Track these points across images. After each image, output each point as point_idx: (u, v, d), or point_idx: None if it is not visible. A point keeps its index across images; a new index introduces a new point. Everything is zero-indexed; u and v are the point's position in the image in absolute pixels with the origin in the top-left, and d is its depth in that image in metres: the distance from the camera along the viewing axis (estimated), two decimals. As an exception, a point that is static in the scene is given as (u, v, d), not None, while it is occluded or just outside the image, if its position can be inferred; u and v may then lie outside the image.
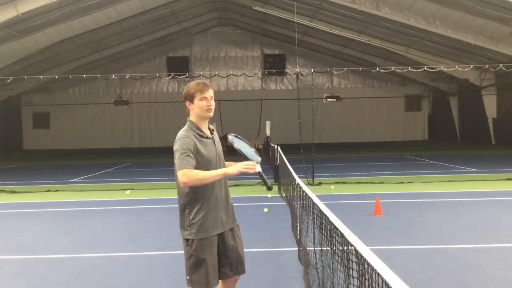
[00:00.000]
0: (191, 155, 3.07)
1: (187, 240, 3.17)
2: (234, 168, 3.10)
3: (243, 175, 3.28)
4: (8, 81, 21.68)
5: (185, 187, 3.10)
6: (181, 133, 3.19)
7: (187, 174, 2.99)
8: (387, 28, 23.87)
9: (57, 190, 12.54)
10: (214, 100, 3.28)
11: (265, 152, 20.19)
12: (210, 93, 3.21)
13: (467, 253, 5.96)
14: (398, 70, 26.23)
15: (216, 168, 3.19)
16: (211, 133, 3.32)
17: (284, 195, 10.05)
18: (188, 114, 3.32)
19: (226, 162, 3.40)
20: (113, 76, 25.21)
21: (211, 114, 3.23)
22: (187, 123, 3.26)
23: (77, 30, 22.42)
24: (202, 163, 3.12)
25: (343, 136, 35.54)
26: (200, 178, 3.03)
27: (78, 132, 35.34)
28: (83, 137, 35.23)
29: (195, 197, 3.15)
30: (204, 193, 3.16)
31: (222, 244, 3.24)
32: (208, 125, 3.34)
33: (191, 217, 3.16)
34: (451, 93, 32.26)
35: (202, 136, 3.21)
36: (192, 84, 3.24)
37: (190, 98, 3.21)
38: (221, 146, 3.37)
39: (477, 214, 8.40)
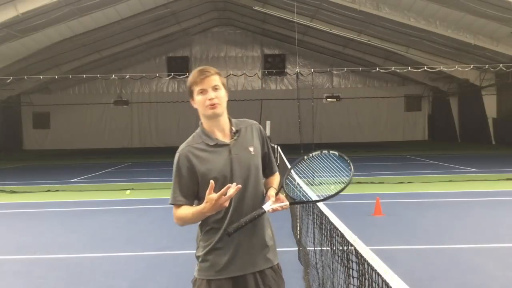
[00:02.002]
0: (184, 182, 2.37)
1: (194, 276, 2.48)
2: (207, 205, 2.20)
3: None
4: (8, 81, 21.73)
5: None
6: (181, 146, 2.45)
7: (174, 214, 2.40)
8: (387, 28, 23.88)
9: (57, 190, 12.53)
10: (224, 90, 2.41)
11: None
12: (210, 82, 2.35)
13: (467, 253, 5.96)
14: (398, 70, 26.27)
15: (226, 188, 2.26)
16: (233, 136, 2.42)
17: (284, 195, 10.05)
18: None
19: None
20: (113, 76, 25.29)
21: (218, 110, 2.35)
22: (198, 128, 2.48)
23: (77, 30, 22.44)
24: (206, 185, 2.23)
25: (343, 136, 35.55)
26: (180, 218, 2.38)
27: (78, 132, 35.35)
28: (83, 137, 35.24)
29: (205, 221, 2.41)
30: (213, 219, 2.38)
31: None
32: (232, 124, 2.47)
33: (200, 248, 2.46)
34: (451, 93, 32.27)
35: (211, 145, 2.38)
36: (190, 76, 2.43)
37: (190, 93, 2.42)
38: (251, 153, 2.42)
39: (477, 214, 8.39)
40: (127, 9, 22.60)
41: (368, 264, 2.13)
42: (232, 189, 2.17)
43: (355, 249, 2.38)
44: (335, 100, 35.04)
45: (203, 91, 2.35)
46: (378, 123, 36.19)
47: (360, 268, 2.26)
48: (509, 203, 9.54)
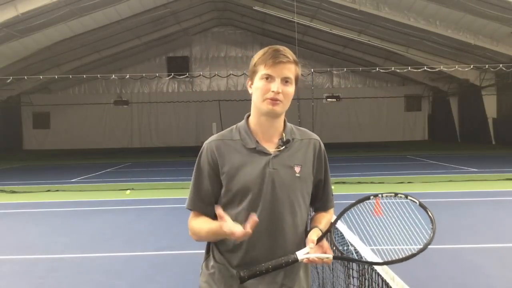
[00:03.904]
0: (204, 183, 1.88)
1: None
2: (227, 226, 1.68)
3: None
4: (8, 81, 21.72)
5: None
6: (210, 137, 1.97)
7: (189, 222, 1.93)
8: (387, 28, 23.88)
9: (57, 190, 12.52)
10: (294, 87, 1.87)
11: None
12: (283, 71, 1.81)
13: (467, 253, 5.96)
14: (398, 70, 26.26)
15: (259, 206, 1.82)
16: (280, 145, 1.89)
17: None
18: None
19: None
20: (113, 76, 25.26)
21: (278, 109, 1.82)
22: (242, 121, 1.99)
23: (77, 30, 22.43)
24: (234, 194, 1.84)
25: (343, 136, 35.53)
26: (195, 232, 1.90)
27: (78, 132, 35.35)
28: (83, 137, 35.24)
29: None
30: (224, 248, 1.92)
31: None
32: (285, 131, 1.92)
33: (208, 264, 1.96)
34: (451, 93, 32.26)
35: (248, 148, 1.87)
36: (261, 52, 1.87)
37: (251, 73, 1.88)
38: (295, 174, 1.86)
39: (477, 214, 8.40)
40: (127, 9, 22.59)
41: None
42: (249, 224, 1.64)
43: (355, 249, 2.38)
44: (335, 100, 35.02)
45: (269, 78, 1.81)
46: (378, 123, 36.18)
47: (360, 268, 2.26)
48: (509, 203, 9.54)
